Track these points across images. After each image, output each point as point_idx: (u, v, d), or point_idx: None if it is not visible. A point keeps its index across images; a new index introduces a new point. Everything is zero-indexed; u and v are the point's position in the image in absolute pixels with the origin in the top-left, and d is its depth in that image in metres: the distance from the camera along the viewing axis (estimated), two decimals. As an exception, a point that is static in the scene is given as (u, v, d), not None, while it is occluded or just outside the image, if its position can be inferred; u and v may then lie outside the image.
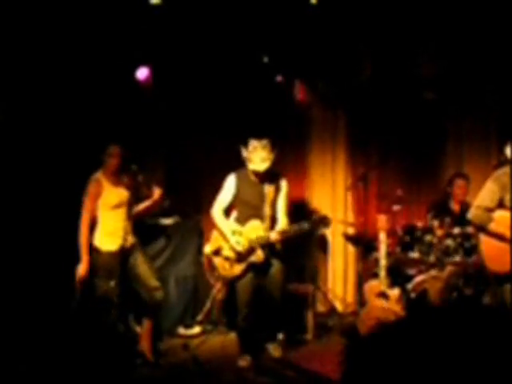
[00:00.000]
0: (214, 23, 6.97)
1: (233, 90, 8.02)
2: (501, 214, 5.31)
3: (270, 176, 6.21)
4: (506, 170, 5.39)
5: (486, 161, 7.87)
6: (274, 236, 6.10)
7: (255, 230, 6.14)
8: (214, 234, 6.33)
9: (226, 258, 6.18)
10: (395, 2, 6.93)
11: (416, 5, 6.92)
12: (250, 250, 6.10)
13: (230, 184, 6.27)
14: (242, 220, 6.23)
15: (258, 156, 6.07)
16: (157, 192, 6.44)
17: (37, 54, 6.49)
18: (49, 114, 6.69)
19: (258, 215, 6.15)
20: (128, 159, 6.14)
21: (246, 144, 6.17)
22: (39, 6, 6.25)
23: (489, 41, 7.16)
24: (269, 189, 6.16)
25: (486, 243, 5.38)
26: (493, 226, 5.31)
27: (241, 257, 6.11)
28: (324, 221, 6.33)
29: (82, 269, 5.82)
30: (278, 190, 6.26)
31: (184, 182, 8.21)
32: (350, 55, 7.64)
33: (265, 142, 6.13)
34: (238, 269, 6.13)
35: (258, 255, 6.09)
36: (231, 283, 6.37)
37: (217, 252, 6.25)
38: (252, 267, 6.13)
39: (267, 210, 6.16)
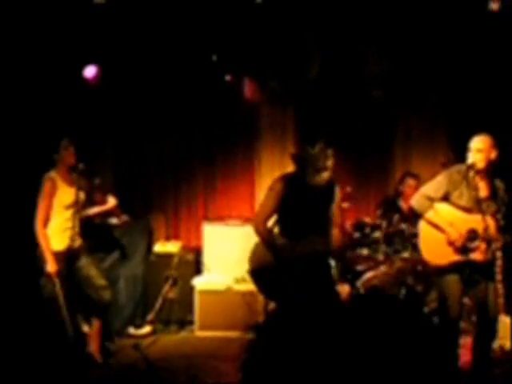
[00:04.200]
0: (161, 22, 6.93)
1: (182, 88, 7.99)
2: (441, 207, 5.43)
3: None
4: (460, 167, 5.45)
5: (433, 158, 7.96)
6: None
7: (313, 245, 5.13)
8: (256, 250, 5.25)
9: None
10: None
11: (363, 3, 6.97)
12: None
13: (278, 190, 5.28)
14: (289, 234, 5.20)
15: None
16: (111, 201, 6.42)
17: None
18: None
19: (312, 227, 5.17)
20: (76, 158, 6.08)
21: None
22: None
23: (436, 39, 7.25)
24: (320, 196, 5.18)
25: (423, 237, 5.48)
26: (430, 215, 5.42)
27: None
28: None
29: (50, 267, 5.77)
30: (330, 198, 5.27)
31: (133, 182, 8.16)
32: (298, 53, 7.66)
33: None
34: None
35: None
36: None
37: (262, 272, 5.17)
38: None
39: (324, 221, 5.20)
